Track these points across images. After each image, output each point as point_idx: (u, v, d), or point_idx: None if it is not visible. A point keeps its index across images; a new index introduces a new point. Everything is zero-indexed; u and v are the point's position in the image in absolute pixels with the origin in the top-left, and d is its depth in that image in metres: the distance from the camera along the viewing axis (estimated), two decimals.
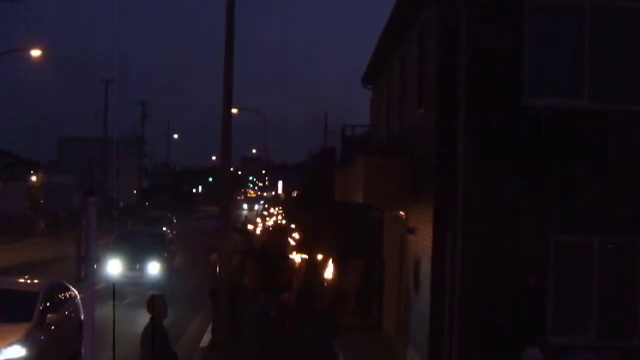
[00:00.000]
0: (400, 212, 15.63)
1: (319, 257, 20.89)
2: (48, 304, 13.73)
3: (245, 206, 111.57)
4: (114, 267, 23.72)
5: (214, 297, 16.00)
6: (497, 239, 11.37)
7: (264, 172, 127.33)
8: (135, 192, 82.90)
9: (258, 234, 45.55)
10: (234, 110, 19.74)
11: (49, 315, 13.26)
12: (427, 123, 12.59)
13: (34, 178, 62.43)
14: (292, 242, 28.82)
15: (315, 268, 19.06)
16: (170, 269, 25.85)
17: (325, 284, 17.22)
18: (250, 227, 52.88)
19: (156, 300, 9.78)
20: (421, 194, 12.80)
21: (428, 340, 11.91)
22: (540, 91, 11.49)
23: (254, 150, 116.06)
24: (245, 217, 72.02)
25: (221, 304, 12.29)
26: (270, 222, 59.92)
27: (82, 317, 15.09)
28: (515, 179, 11.40)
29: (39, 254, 34.85)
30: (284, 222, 52.92)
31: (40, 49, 39.86)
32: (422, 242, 12.72)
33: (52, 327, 13.31)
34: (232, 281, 13.28)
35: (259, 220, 66.24)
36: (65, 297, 15.00)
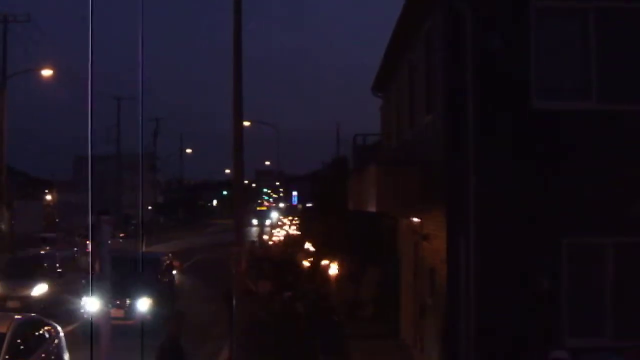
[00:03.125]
0: (414, 219, 15.63)
1: (324, 262, 21.07)
2: (17, 347, 11.32)
3: (254, 221, 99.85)
4: (91, 302, 18.12)
5: (226, 300, 16.26)
6: (510, 242, 11.37)
7: (277, 183, 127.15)
8: (150, 207, 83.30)
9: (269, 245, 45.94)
10: (246, 123, 19.87)
11: None
12: (436, 129, 12.62)
13: (48, 197, 62.88)
14: (312, 248, 28.75)
15: (321, 271, 19.33)
16: (167, 304, 21.12)
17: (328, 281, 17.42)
18: (265, 238, 53.09)
19: (175, 316, 9.79)
20: (433, 200, 12.81)
21: (444, 346, 11.91)
22: (549, 94, 11.51)
23: (267, 162, 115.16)
24: (259, 231, 71.54)
25: (239, 305, 12.97)
26: (276, 234, 59.95)
27: (66, 359, 13.14)
28: (526, 182, 11.40)
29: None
30: (297, 233, 53.07)
31: (52, 69, 40.24)
32: (436, 248, 12.72)
33: None
34: (250, 285, 13.66)
35: (273, 231, 66.27)
36: (42, 336, 12.58)
